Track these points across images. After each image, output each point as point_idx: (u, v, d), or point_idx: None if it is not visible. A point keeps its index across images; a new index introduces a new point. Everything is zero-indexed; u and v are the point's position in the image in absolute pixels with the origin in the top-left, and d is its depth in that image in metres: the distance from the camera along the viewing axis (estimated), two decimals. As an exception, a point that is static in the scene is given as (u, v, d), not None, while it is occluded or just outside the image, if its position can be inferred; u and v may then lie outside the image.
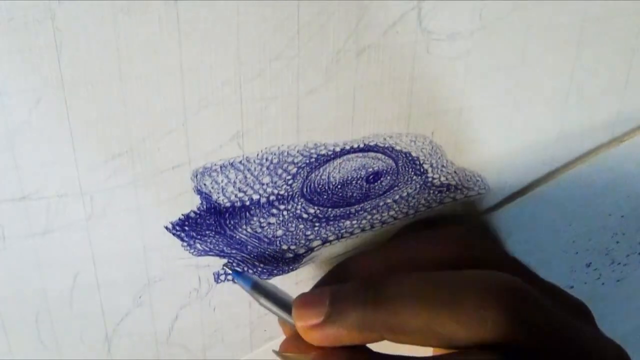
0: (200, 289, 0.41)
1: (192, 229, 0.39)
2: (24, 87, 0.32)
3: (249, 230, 0.40)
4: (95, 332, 0.41)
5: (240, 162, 0.37)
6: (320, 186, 0.39)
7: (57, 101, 0.33)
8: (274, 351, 0.36)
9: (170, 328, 0.42)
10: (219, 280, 0.41)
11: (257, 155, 0.37)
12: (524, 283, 0.33)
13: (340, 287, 0.35)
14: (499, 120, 0.38)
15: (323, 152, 0.38)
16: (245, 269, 0.40)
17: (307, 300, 0.35)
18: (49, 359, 0.41)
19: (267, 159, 0.37)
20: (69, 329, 0.40)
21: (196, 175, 0.37)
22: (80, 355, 0.41)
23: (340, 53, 0.35)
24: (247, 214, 0.39)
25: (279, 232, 0.40)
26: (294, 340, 0.35)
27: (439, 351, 0.33)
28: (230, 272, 0.40)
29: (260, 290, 0.38)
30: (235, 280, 0.40)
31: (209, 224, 0.39)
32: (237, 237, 0.40)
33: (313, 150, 0.38)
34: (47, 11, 0.30)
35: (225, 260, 0.40)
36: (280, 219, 0.40)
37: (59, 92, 0.33)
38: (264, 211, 0.39)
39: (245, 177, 0.38)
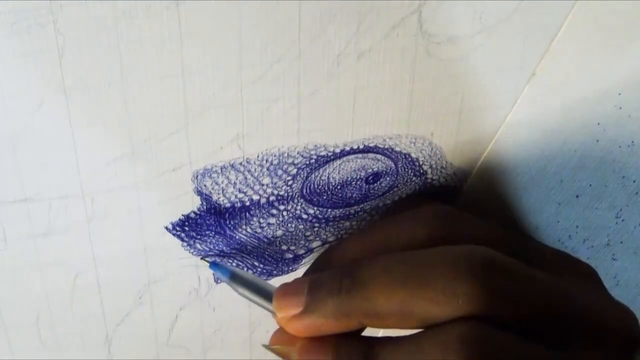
0: (200, 289, 0.41)
1: (192, 229, 0.39)
2: (27, 90, 0.32)
3: (248, 230, 0.40)
4: (95, 333, 0.41)
5: (241, 163, 0.37)
6: (320, 187, 0.39)
7: (59, 104, 0.33)
8: (264, 345, 0.36)
9: (170, 329, 0.42)
10: (219, 281, 0.41)
11: (258, 156, 0.37)
12: (497, 253, 0.32)
13: (318, 275, 0.34)
14: (497, 122, 0.39)
15: (323, 153, 0.38)
16: (235, 264, 0.40)
17: (286, 290, 0.35)
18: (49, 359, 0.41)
19: (267, 160, 0.37)
20: (70, 330, 0.40)
21: (197, 177, 0.37)
22: (81, 355, 0.41)
23: (341, 56, 0.35)
24: (247, 214, 0.39)
25: (279, 233, 0.40)
26: (284, 333, 0.35)
27: None
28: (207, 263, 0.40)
29: (239, 280, 0.37)
30: (213, 271, 0.39)
31: (209, 225, 0.39)
32: (237, 237, 0.40)
33: (313, 152, 0.38)
34: (50, 15, 0.30)
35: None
36: (280, 219, 0.40)
37: (61, 94, 0.33)
38: (263, 212, 0.39)
39: (246, 178, 0.38)
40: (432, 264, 0.32)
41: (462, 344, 0.30)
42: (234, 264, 0.41)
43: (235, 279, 0.37)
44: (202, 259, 0.40)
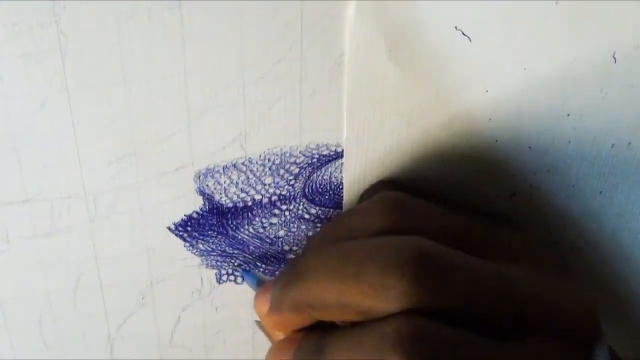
0: (202, 289, 0.41)
1: (194, 229, 0.39)
2: (29, 91, 0.32)
3: (251, 230, 0.40)
4: (98, 333, 0.41)
5: (243, 163, 0.37)
6: (322, 186, 0.39)
7: (62, 104, 0.33)
8: (256, 321, 0.37)
9: (173, 329, 0.42)
10: (221, 281, 0.41)
11: (260, 156, 0.37)
12: (433, 245, 0.31)
13: (280, 271, 0.35)
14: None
15: (325, 152, 0.38)
16: (237, 264, 0.40)
17: (261, 289, 0.35)
18: (52, 360, 0.41)
19: (269, 160, 0.37)
20: (72, 330, 0.40)
21: (199, 177, 0.37)
22: (84, 356, 0.41)
23: (343, 56, 0.35)
24: (250, 214, 0.39)
25: (281, 233, 0.40)
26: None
27: None
28: (238, 271, 0.40)
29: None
30: (245, 279, 0.40)
31: (211, 225, 0.39)
32: (240, 237, 0.40)
33: (315, 151, 0.38)
34: (52, 16, 0.31)
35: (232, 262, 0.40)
36: (282, 219, 0.40)
37: (63, 95, 0.33)
38: (266, 211, 0.39)
39: (248, 177, 0.38)
40: (366, 256, 0.31)
41: (398, 340, 0.29)
42: (236, 264, 0.41)
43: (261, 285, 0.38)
44: (236, 267, 0.40)
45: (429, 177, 0.38)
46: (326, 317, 0.33)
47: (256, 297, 0.35)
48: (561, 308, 0.32)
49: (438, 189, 0.39)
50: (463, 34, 0.34)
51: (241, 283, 0.41)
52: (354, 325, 0.32)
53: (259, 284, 0.39)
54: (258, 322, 0.37)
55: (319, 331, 0.34)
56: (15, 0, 0.30)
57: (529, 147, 0.38)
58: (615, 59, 0.36)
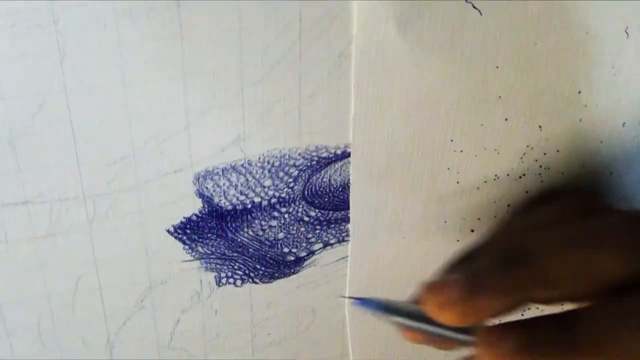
0: (202, 292, 0.41)
1: (193, 232, 0.39)
2: (27, 92, 0.32)
3: (250, 233, 0.40)
4: (97, 336, 0.41)
5: (242, 165, 0.37)
6: (321, 189, 0.39)
7: (60, 106, 0.33)
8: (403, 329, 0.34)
9: (172, 332, 0.42)
10: (221, 284, 0.41)
11: (259, 158, 0.37)
12: None
13: (474, 263, 0.33)
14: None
15: (324, 154, 0.38)
16: (237, 267, 0.40)
17: (439, 280, 0.33)
18: (51, 363, 0.41)
19: (268, 162, 0.37)
20: (71, 333, 0.40)
21: (198, 179, 0.37)
22: (82, 358, 0.41)
23: (341, 57, 0.35)
24: (249, 216, 0.39)
25: (281, 235, 0.40)
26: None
27: None
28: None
29: (393, 311, 0.35)
30: (363, 308, 0.36)
31: (210, 227, 0.39)
32: (239, 240, 0.40)
33: (314, 153, 0.38)
34: (50, 16, 0.31)
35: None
36: (282, 221, 0.40)
37: (62, 96, 0.33)
38: (265, 214, 0.39)
39: (247, 180, 0.38)
40: (601, 225, 0.31)
41: None
42: (235, 267, 0.40)
43: (389, 310, 0.35)
44: (348, 297, 0.38)
45: (438, 156, 0.38)
46: (552, 296, 0.31)
47: (433, 286, 0.32)
48: None
49: (446, 169, 0.39)
50: (474, 6, 0.34)
51: (240, 286, 0.41)
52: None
53: (381, 308, 0.35)
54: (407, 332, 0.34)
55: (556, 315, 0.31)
56: (13, 0, 0.30)
57: (539, 127, 0.38)
58: (627, 33, 0.36)
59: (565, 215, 0.35)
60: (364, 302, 0.35)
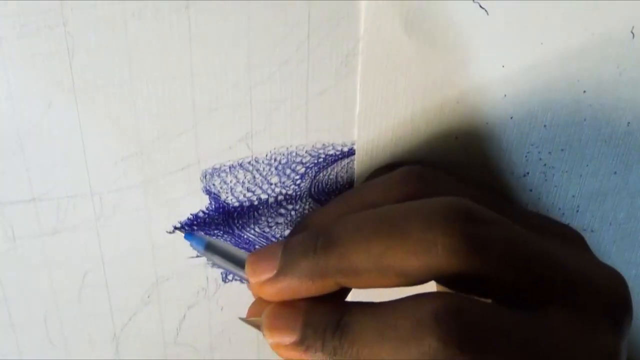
0: (208, 288, 0.41)
1: (200, 228, 0.39)
2: (36, 91, 0.32)
3: (257, 229, 0.40)
4: (103, 332, 0.41)
5: (249, 162, 0.37)
6: (328, 186, 0.39)
7: (69, 105, 0.33)
8: (240, 318, 0.35)
9: (178, 328, 0.42)
10: (227, 280, 0.41)
11: (266, 155, 0.37)
12: (474, 204, 0.31)
13: (292, 238, 0.33)
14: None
15: (331, 152, 0.38)
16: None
17: (259, 255, 0.34)
18: (57, 358, 0.41)
19: (275, 160, 0.37)
20: (77, 328, 0.41)
21: (205, 176, 0.37)
22: (88, 354, 0.42)
23: (349, 57, 0.35)
24: (256, 213, 0.39)
25: (287, 232, 0.40)
26: (261, 303, 0.34)
27: None
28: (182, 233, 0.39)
29: (215, 250, 0.37)
30: (188, 241, 0.39)
31: (217, 224, 0.39)
32: (245, 236, 0.40)
33: (321, 151, 0.38)
34: (60, 17, 0.31)
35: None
36: (288, 218, 0.40)
37: (70, 95, 0.33)
38: (272, 211, 0.39)
39: (254, 177, 0.38)
40: (407, 216, 0.31)
41: (437, 321, 0.28)
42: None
43: (211, 248, 0.37)
44: (175, 229, 0.39)
45: (442, 153, 0.38)
46: (358, 283, 0.31)
47: (252, 261, 0.34)
48: (592, 281, 0.32)
49: (451, 167, 0.39)
50: (480, 6, 0.34)
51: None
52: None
53: (208, 247, 0.37)
54: (242, 318, 0.35)
55: (331, 302, 0.32)
56: (23, 0, 0.30)
57: (544, 125, 0.38)
58: (633, 34, 0.36)
59: (391, 191, 0.34)
60: (190, 236, 0.38)
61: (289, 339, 0.32)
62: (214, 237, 0.39)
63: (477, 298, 0.30)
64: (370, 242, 0.31)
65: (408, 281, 0.31)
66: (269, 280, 0.33)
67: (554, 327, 0.30)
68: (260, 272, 0.33)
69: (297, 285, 0.32)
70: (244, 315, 0.35)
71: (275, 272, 0.33)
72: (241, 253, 0.36)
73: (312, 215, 0.38)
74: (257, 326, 0.34)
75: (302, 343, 0.32)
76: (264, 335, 0.33)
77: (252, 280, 0.33)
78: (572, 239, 0.35)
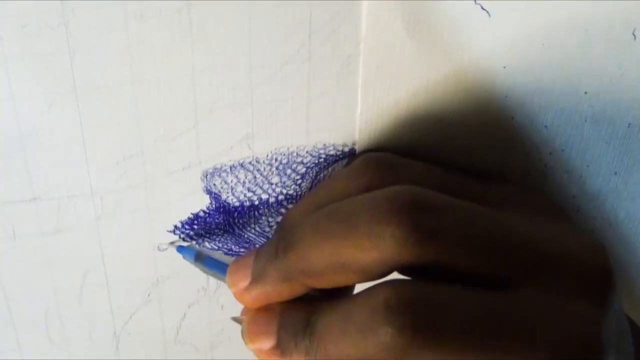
0: (208, 287, 0.41)
1: (201, 227, 0.39)
2: (37, 92, 0.32)
3: (257, 229, 0.40)
4: (103, 330, 0.41)
5: (250, 162, 0.37)
6: (328, 186, 0.39)
7: (70, 105, 0.33)
8: (232, 318, 0.36)
9: (178, 326, 0.42)
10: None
11: (267, 155, 0.37)
12: (422, 190, 0.30)
13: (262, 245, 0.34)
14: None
15: (332, 152, 0.38)
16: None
17: (237, 264, 0.34)
18: (57, 357, 0.41)
19: (276, 160, 0.37)
20: (78, 327, 0.41)
21: (206, 176, 0.37)
22: (89, 353, 0.42)
23: (350, 57, 0.35)
24: (256, 213, 0.39)
25: (287, 232, 0.40)
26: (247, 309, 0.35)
27: None
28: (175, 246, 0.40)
29: (203, 261, 0.38)
30: (180, 254, 0.39)
31: (218, 223, 0.39)
32: (246, 236, 0.40)
33: (322, 151, 0.38)
34: (61, 17, 0.31)
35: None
36: (289, 218, 0.40)
37: (71, 96, 0.33)
38: (272, 211, 0.39)
39: (255, 177, 0.38)
40: (355, 211, 0.30)
41: (388, 310, 0.28)
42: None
43: (201, 259, 0.38)
44: (170, 244, 0.39)
45: (442, 154, 0.38)
46: (322, 283, 0.32)
47: (231, 271, 0.34)
48: (562, 253, 0.31)
49: (451, 167, 0.39)
50: (482, 8, 0.34)
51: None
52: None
53: (197, 258, 0.38)
54: (233, 318, 0.36)
55: (302, 303, 0.33)
56: (24, 1, 0.30)
57: (545, 126, 0.38)
58: (634, 35, 0.36)
59: (350, 182, 0.34)
60: (182, 248, 0.39)
61: (267, 343, 0.33)
62: (212, 242, 0.39)
63: (437, 282, 0.30)
64: (323, 242, 0.31)
65: (368, 276, 0.31)
66: (245, 288, 0.33)
67: (522, 306, 0.29)
68: (237, 281, 0.34)
69: (269, 291, 0.33)
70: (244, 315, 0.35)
71: (249, 280, 0.33)
72: (227, 261, 0.36)
73: (285, 216, 0.38)
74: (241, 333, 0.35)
75: (278, 347, 0.32)
76: (245, 343, 0.34)
77: (232, 289, 0.34)
78: (548, 211, 0.34)
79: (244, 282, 0.33)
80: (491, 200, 0.33)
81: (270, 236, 0.40)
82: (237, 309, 0.42)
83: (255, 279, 0.33)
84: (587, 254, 0.31)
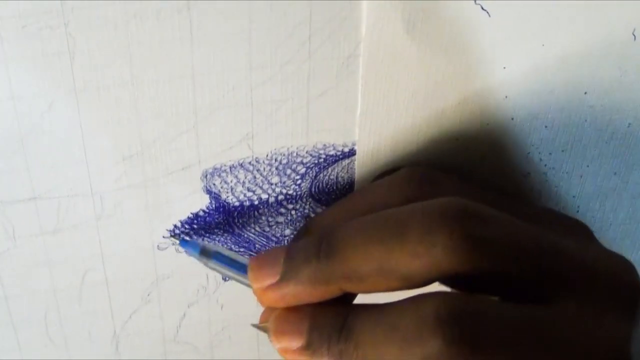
0: (208, 286, 0.41)
1: (201, 227, 0.39)
2: (37, 92, 0.32)
3: (257, 229, 0.40)
4: (103, 330, 0.41)
5: (250, 162, 0.37)
6: (328, 186, 0.39)
7: (70, 105, 0.33)
8: (252, 324, 0.35)
9: (178, 326, 0.42)
10: (227, 279, 0.41)
11: (267, 155, 0.37)
12: (472, 202, 0.31)
13: (295, 244, 0.34)
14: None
15: (332, 152, 0.38)
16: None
17: (262, 260, 0.34)
18: (57, 357, 0.41)
19: (276, 160, 0.37)
20: (78, 327, 0.41)
21: (206, 176, 0.37)
22: (89, 352, 0.42)
23: (350, 58, 0.35)
24: (256, 213, 0.39)
25: (287, 232, 0.40)
26: (270, 311, 0.34)
27: None
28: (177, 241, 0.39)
29: (211, 255, 0.37)
30: (183, 249, 0.39)
31: (217, 223, 0.39)
32: (246, 235, 0.40)
33: (322, 151, 0.38)
34: (61, 17, 0.31)
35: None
36: (289, 218, 0.40)
37: (72, 96, 0.33)
38: (272, 210, 0.39)
39: (255, 177, 0.38)
40: (407, 218, 0.31)
41: (438, 321, 0.29)
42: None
43: (207, 253, 0.37)
44: (171, 236, 0.39)
45: (443, 154, 0.38)
46: (361, 288, 0.32)
47: (254, 267, 0.34)
48: (597, 269, 0.32)
49: (452, 168, 0.39)
50: (482, 8, 0.34)
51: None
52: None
53: (202, 252, 0.37)
54: (255, 325, 0.35)
55: (335, 305, 0.33)
56: (24, 1, 0.30)
57: (545, 127, 0.38)
58: (634, 36, 0.36)
59: (393, 193, 0.35)
60: (185, 242, 0.38)
61: (295, 343, 0.32)
62: (212, 242, 0.39)
63: (482, 295, 0.31)
64: (372, 247, 0.31)
65: (411, 284, 0.31)
66: (272, 286, 0.33)
67: (563, 319, 0.30)
68: (263, 278, 0.33)
69: (301, 291, 0.32)
70: (244, 314, 0.35)
71: (278, 278, 0.33)
72: (238, 257, 0.36)
73: (315, 219, 0.38)
74: (267, 332, 0.34)
75: (308, 347, 0.32)
76: (270, 340, 0.33)
77: (255, 286, 0.34)
78: (577, 231, 0.35)
79: (270, 280, 0.33)
80: (526, 218, 0.33)
81: (270, 236, 0.40)
82: (237, 308, 0.42)
83: (286, 278, 0.33)
84: (618, 271, 0.32)
